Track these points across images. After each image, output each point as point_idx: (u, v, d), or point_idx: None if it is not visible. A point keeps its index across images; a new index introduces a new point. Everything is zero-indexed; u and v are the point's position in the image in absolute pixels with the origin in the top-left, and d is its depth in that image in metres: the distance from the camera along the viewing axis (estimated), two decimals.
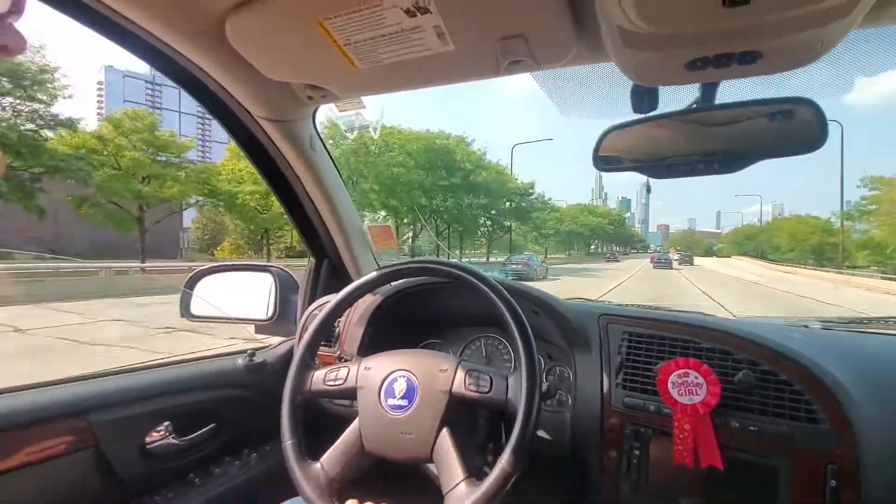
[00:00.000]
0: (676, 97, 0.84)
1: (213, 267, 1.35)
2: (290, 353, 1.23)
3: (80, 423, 0.86)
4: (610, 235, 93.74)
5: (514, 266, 21.08)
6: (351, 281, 1.33)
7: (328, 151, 1.10)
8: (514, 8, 0.62)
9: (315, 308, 1.22)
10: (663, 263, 41.07)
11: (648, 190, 1.00)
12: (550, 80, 0.87)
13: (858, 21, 0.55)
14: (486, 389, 0.77)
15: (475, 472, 0.69)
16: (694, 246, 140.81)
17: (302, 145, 1.01)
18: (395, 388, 0.81)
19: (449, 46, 0.68)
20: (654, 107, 0.83)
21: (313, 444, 0.80)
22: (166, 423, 0.98)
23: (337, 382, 0.85)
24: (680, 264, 45.82)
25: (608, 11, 0.57)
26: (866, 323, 1.17)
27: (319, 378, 0.86)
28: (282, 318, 1.31)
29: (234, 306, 1.33)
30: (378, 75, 0.78)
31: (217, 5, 0.65)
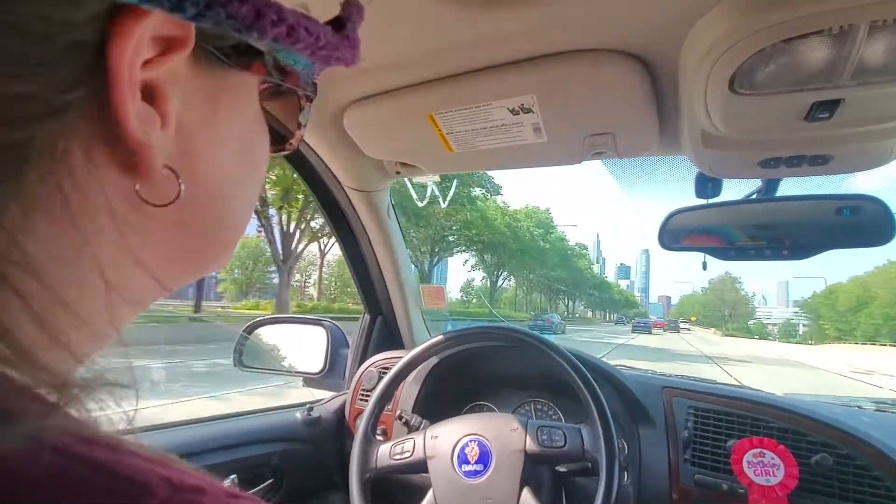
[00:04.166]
0: (738, 183, 0.90)
1: (270, 318, 1.40)
2: (342, 407, 1.25)
3: None
4: (510, 250, 38.92)
5: (540, 322, 24.93)
6: (401, 338, 1.38)
7: (398, 218, 1.18)
8: (607, 110, 0.69)
9: (370, 365, 1.25)
10: (641, 328, 46.42)
11: (704, 268, 1.04)
12: (618, 166, 0.95)
13: None
14: (562, 444, 0.78)
15: None
16: (737, 311, 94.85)
17: (380, 213, 1.09)
18: (467, 453, 0.81)
19: (542, 139, 0.76)
20: (717, 193, 0.90)
21: None
22: (232, 477, 0.99)
23: (404, 456, 0.85)
24: (666, 330, 51.08)
25: (695, 117, 0.65)
26: None
27: (385, 453, 0.86)
28: (330, 372, 1.34)
29: (286, 358, 1.37)
30: (468, 157, 0.86)
31: (342, 99, 0.75)
